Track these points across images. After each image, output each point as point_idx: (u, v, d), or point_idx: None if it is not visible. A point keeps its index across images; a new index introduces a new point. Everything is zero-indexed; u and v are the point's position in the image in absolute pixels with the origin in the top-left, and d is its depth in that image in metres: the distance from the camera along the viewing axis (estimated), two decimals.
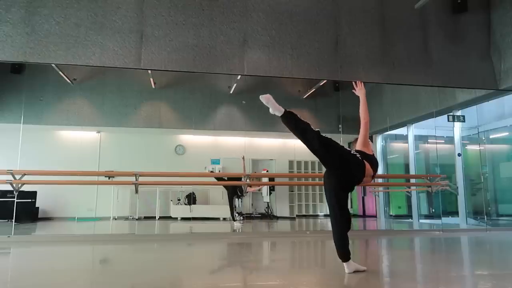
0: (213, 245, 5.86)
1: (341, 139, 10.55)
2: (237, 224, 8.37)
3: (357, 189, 12.25)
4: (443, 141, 10.13)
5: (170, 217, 10.51)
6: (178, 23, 6.41)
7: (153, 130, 10.59)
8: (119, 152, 10.62)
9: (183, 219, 10.45)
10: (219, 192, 10.86)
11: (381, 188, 11.52)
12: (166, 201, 10.67)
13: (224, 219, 10.38)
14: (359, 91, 3.79)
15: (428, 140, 10.95)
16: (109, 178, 8.64)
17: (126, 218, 10.26)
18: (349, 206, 3.66)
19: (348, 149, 3.51)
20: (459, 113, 8.86)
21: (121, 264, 4.35)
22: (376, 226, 9.96)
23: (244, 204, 8.23)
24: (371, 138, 11.54)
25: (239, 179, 7.67)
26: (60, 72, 8.78)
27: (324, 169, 3.53)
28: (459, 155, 9.27)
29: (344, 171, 3.38)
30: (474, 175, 9.52)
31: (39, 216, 9.87)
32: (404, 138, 11.04)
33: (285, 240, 6.43)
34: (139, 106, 10.29)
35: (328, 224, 4.97)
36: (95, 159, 10.21)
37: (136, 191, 6.79)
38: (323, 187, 3.55)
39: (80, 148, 10.46)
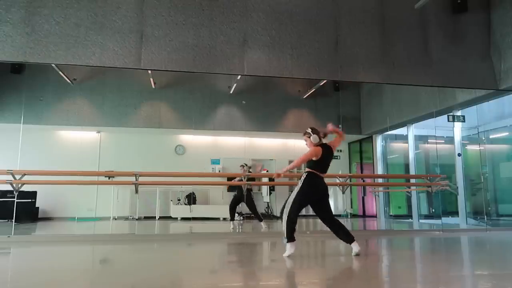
0: (213, 245, 5.86)
1: None
2: (235, 224, 8.36)
3: (357, 189, 12.26)
4: (443, 141, 10.13)
5: (170, 217, 10.51)
6: (178, 23, 6.42)
7: (153, 130, 10.60)
8: (119, 152, 10.63)
9: (183, 219, 10.45)
10: (219, 192, 10.87)
11: (381, 188, 11.52)
12: (166, 201, 10.67)
13: (224, 219, 10.38)
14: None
15: (428, 140, 10.94)
16: (109, 178, 8.63)
17: (126, 218, 10.26)
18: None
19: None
20: (459, 113, 8.86)
21: (121, 264, 4.35)
22: (376, 226, 9.96)
23: (244, 204, 8.21)
24: (371, 137, 11.62)
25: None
26: (60, 72, 8.78)
27: None
28: (459, 155, 9.26)
29: None
30: (474, 175, 9.51)
31: (39, 216, 9.87)
32: (404, 138, 11.04)
33: None
34: (139, 106, 10.30)
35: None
36: (95, 159, 10.21)
37: (136, 191, 6.80)
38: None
39: (80, 148, 10.46)
